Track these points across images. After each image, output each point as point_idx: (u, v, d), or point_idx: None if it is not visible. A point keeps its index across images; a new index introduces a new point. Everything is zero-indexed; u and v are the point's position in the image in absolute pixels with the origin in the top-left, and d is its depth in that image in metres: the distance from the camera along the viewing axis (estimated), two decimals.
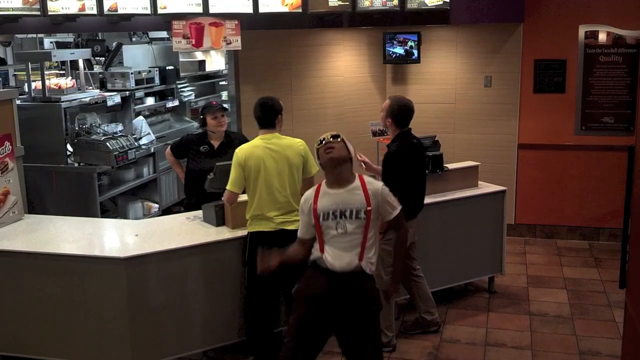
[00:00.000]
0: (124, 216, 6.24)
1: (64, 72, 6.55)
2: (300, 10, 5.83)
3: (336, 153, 3.18)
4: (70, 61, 6.29)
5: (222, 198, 4.12)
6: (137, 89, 6.65)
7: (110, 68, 6.90)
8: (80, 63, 6.18)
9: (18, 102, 5.10)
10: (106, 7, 5.05)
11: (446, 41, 6.69)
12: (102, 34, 7.34)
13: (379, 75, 6.96)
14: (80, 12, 5.01)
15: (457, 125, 6.75)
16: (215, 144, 4.79)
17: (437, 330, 4.64)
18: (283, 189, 3.93)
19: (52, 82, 5.90)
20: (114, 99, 6.22)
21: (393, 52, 6.69)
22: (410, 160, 4.30)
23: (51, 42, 8.04)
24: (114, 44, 7.13)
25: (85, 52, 6.40)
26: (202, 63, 7.37)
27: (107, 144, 5.69)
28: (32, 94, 5.82)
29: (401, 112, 4.29)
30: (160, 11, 5.29)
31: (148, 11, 5.26)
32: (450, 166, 5.08)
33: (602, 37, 6.15)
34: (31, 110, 5.62)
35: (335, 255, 3.17)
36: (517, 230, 6.65)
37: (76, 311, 3.91)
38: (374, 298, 3.26)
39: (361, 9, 6.03)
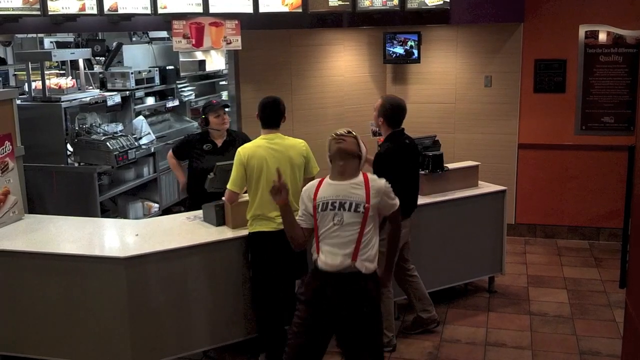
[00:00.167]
0: (124, 216, 6.24)
1: (64, 72, 6.55)
2: (300, 10, 5.83)
3: (346, 145, 3.24)
4: (71, 61, 6.29)
5: (223, 197, 4.12)
6: (137, 89, 6.65)
7: (111, 68, 6.90)
8: (81, 63, 6.18)
9: (18, 102, 5.10)
10: (106, 6, 5.05)
11: (446, 41, 6.69)
12: (102, 34, 7.34)
13: (379, 75, 6.96)
14: (80, 12, 5.01)
15: (457, 125, 6.75)
16: (219, 142, 4.79)
17: (437, 327, 4.64)
18: None
19: (52, 82, 5.90)
20: (114, 98, 6.22)
21: (393, 52, 6.69)
22: (402, 161, 4.28)
23: (51, 42, 8.04)
24: (114, 43, 7.12)
25: (86, 52, 6.39)
26: (202, 63, 7.36)
27: (108, 143, 5.69)
28: (32, 94, 5.82)
29: (393, 111, 4.27)
30: (160, 11, 5.29)
31: (148, 11, 5.26)
32: (451, 166, 5.07)
33: (602, 37, 6.15)
34: (31, 110, 5.61)
35: (329, 253, 3.17)
36: (517, 230, 6.65)
37: (76, 311, 3.91)
38: (373, 298, 3.24)
39: (361, 9, 6.03)
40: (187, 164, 4.92)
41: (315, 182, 3.35)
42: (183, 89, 7.74)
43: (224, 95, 8.19)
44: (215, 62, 7.66)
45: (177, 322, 4.00)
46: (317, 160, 4.14)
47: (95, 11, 5.04)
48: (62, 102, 5.66)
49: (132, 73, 6.49)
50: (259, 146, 3.97)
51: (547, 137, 6.46)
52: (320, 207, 3.21)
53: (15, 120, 4.72)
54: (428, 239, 4.83)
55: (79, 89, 6.10)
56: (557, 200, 6.55)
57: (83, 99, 5.94)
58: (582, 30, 6.20)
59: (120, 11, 5.14)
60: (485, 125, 6.63)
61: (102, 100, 6.12)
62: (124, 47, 7.21)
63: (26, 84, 6.01)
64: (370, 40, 6.81)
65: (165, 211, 6.43)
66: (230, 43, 5.71)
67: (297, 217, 3.37)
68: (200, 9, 5.43)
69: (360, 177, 3.26)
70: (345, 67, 6.78)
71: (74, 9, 4.97)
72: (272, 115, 4.02)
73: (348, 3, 5.96)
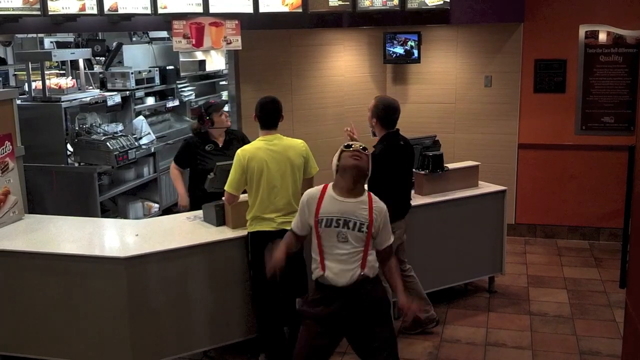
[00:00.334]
0: (124, 216, 6.24)
1: (64, 72, 6.56)
2: (300, 10, 5.82)
3: (362, 163, 3.20)
4: (71, 61, 6.30)
5: (222, 198, 4.12)
6: (137, 89, 6.66)
7: (111, 68, 6.91)
8: (81, 63, 6.18)
9: (18, 102, 5.10)
10: (106, 6, 5.05)
11: (446, 41, 6.69)
12: (103, 34, 7.35)
13: (379, 75, 6.96)
14: (80, 12, 5.00)
15: (457, 125, 6.74)
16: (220, 141, 4.79)
17: (436, 326, 4.64)
18: (285, 190, 3.92)
19: (53, 82, 5.91)
20: (114, 98, 6.22)
21: (393, 52, 6.69)
22: (396, 163, 4.26)
23: (51, 42, 8.05)
24: (114, 43, 7.13)
25: (86, 52, 6.40)
26: (202, 63, 7.37)
27: (108, 143, 5.70)
28: (33, 94, 5.82)
29: (386, 112, 4.26)
30: (160, 11, 5.28)
31: (148, 11, 5.26)
32: (451, 166, 5.07)
33: (602, 37, 6.15)
34: (31, 110, 5.62)
35: (338, 272, 3.16)
36: (517, 230, 6.65)
37: (76, 311, 3.90)
38: (381, 298, 3.27)
39: (361, 9, 6.03)
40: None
41: (317, 190, 3.29)
42: (183, 89, 7.75)
43: (224, 95, 8.19)
44: (215, 62, 7.67)
45: (177, 322, 4.00)
46: (316, 161, 4.13)
47: (95, 11, 5.03)
48: (62, 102, 5.66)
49: (132, 73, 6.50)
50: (258, 148, 3.96)
51: (547, 137, 6.46)
52: (324, 223, 3.19)
53: (15, 120, 4.72)
54: (428, 238, 4.83)
55: (79, 89, 6.11)
56: (557, 200, 6.55)
57: (83, 99, 5.94)
58: (582, 30, 6.20)
59: (120, 11, 5.14)
60: (485, 125, 6.63)
61: (102, 100, 6.13)
62: (124, 47, 7.22)
63: (26, 84, 6.02)
64: (370, 40, 6.81)
65: (166, 211, 6.43)
66: (231, 43, 5.71)
67: (293, 223, 3.36)
68: (200, 9, 5.42)
69: (365, 196, 3.24)
70: (345, 67, 6.78)
71: (74, 9, 4.96)
72: (270, 116, 4.00)
73: (348, 3, 5.96)
